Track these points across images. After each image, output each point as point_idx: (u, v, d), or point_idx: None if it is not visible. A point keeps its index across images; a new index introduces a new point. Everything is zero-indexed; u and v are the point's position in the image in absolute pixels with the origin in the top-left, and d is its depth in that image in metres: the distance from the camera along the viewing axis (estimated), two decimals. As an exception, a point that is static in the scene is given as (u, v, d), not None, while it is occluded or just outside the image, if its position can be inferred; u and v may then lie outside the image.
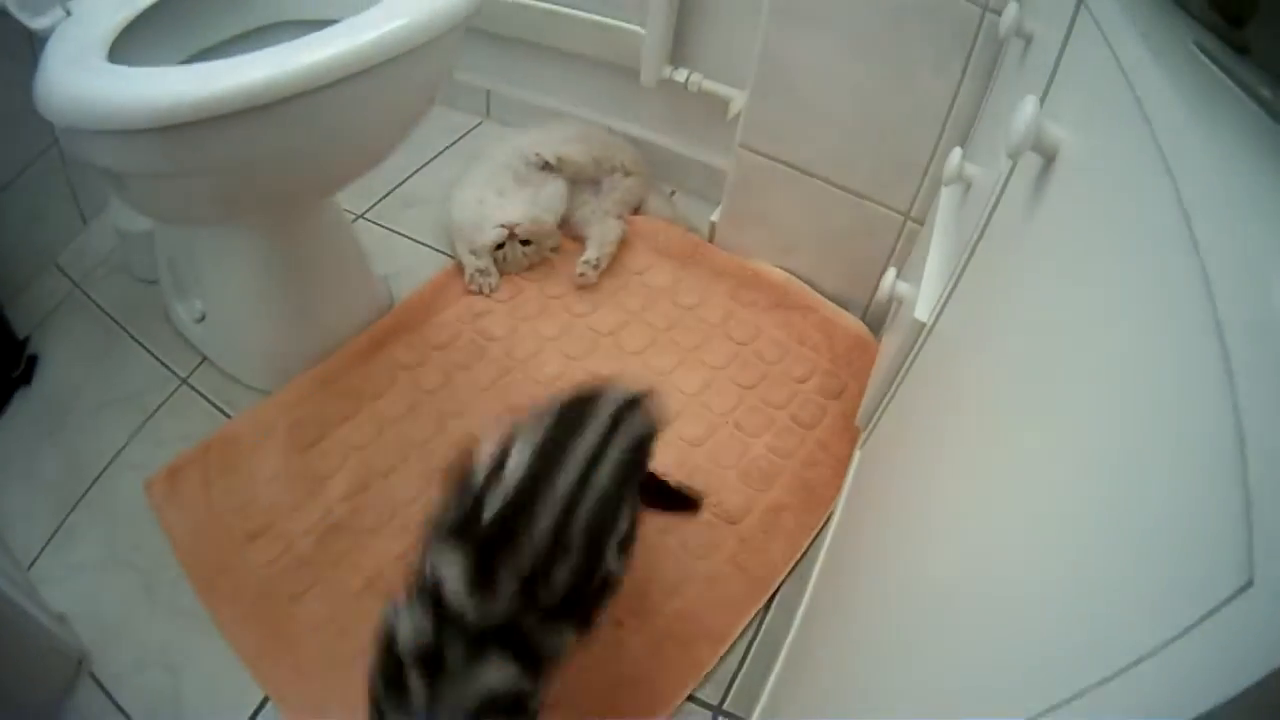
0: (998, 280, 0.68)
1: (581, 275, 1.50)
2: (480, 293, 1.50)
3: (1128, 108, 0.44)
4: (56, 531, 1.29)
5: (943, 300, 0.88)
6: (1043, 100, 0.62)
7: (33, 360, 1.50)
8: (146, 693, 1.14)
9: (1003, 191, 0.69)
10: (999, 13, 0.96)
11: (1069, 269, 0.49)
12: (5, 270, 1.50)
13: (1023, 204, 0.60)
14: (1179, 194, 0.36)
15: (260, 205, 1.22)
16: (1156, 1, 0.53)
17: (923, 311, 0.91)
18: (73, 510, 1.31)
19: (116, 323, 1.57)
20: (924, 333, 0.92)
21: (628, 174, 1.62)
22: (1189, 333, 0.32)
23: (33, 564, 1.25)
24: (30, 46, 1.27)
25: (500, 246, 1.48)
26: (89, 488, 1.33)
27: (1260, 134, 0.38)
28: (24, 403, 1.46)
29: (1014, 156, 0.54)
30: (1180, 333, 0.33)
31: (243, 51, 0.96)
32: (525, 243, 1.48)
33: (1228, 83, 0.45)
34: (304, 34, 0.99)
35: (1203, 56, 0.48)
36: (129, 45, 1.08)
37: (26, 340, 1.52)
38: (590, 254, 1.51)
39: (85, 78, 0.99)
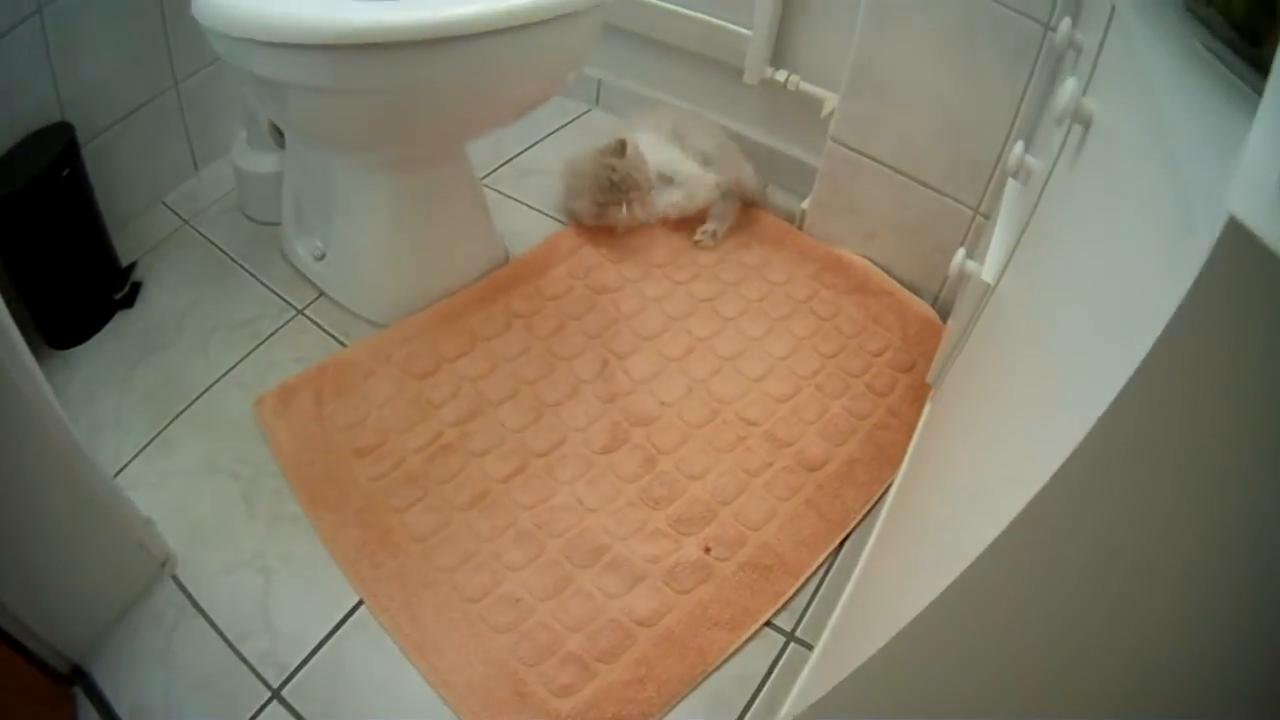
0: (1048, 235, 0.80)
1: (698, 241, 1.64)
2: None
3: (1138, 83, 0.58)
4: (152, 440, 1.30)
5: (1004, 266, 0.99)
6: (1086, 87, 0.77)
7: (136, 286, 1.51)
8: (233, 594, 1.16)
9: (1055, 162, 0.83)
10: (1056, 30, 1.03)
11: (1098, 200, 0.63)
12: (112, 199, 1.50)
13: (1068, 165, 0.75)
14: (1166, 136, 0.49)
15: (404, 136, 1.28)
16: (1173, 12, 0.67)
17: (989, 274, 1.01)
18: (172, 422, 1.33)
19: (230, 257, 1.60)
20: (988, 293, 1.02)
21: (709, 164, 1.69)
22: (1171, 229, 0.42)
23: (121, 470, 1.27)
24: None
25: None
26: (192, 402, 1.36)
27: (1226, 99, 0.53)
28: (124, 323, 1.47)
29: (1060, 123, 0.69)
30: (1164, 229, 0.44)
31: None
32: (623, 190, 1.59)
33: (1222, 69, 0.59)
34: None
35: (1206, 53, 0.63)
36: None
37: (132, 266, 1.53)
38: (710, 224, 1.65)
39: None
